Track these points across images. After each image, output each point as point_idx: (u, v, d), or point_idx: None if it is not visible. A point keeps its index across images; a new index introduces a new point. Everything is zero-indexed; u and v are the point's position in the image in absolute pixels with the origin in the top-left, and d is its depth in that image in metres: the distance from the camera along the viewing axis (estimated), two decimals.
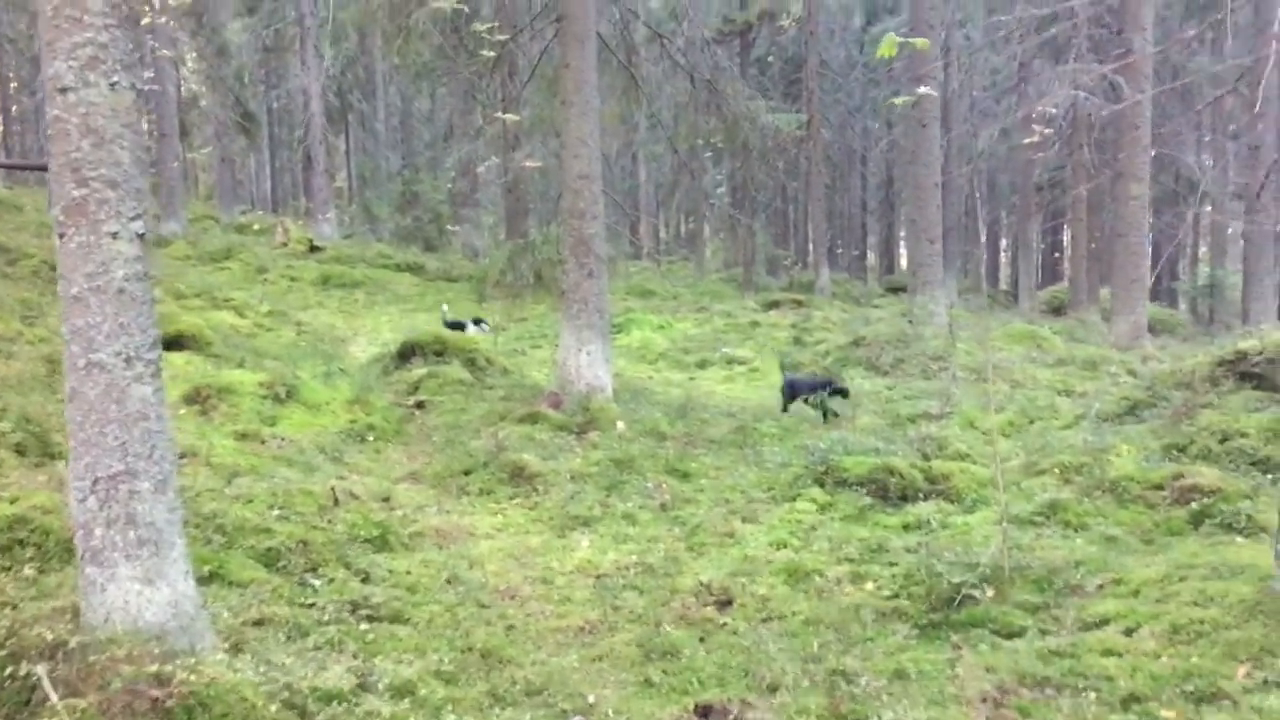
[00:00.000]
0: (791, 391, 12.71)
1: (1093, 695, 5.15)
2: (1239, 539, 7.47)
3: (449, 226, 28.98)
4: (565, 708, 5.09)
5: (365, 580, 6.55)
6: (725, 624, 6.41)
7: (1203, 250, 41.34)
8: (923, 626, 6.36)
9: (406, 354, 13.67)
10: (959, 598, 6.54)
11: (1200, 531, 7.72)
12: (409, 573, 6.83)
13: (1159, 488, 8.32)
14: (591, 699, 5.21)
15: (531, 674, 5.41)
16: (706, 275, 31.67)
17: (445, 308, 17.26)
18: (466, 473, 9.41)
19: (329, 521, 7.29)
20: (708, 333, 19.64)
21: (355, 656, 5.21)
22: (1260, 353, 10.26)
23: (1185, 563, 6.75)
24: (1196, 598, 6.02)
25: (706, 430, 11.18)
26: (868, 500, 8.65)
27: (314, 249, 24.99)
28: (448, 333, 14.78)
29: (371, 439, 10.37)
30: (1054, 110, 18.47)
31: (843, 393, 12.46)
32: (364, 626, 5.73)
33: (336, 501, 7.53)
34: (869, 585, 7.02)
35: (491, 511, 8.59)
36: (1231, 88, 19.37)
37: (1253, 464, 8.82)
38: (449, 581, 6.79)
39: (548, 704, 5.12)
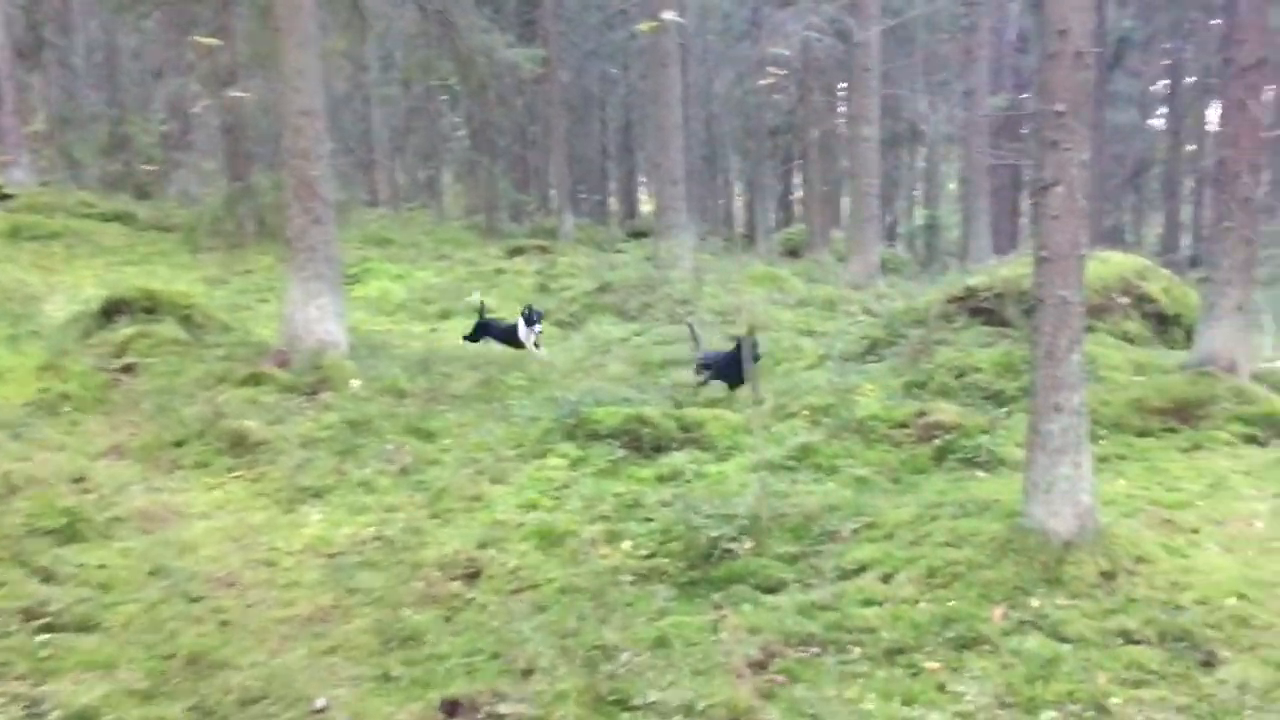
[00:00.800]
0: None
1: (857, 650, 4.98)
2: (979, 473, 7.60)
3: (163, 171, 26.57)
4: (289, 717, 4.43)
5: (47, 580, 5.59)
6: (473, 600, 5.88)
7: (916, 192, 43.75)
8: (682, 585, 6.07)
9: (111, 312, 12.17)
10: (718, 552, 6.29)
11: (944, 468, 7.82)
12: (103, 567, 5.90)
13: (903, 426, 8.39)
14: (320, 703, 4.58)
15: (249, 678, 4.69)
16: (447, 222, 30.60)
17: (477, 294, 14.78)
18: (179, 444, 8.40)
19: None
20: (449, 281, 18.83)
21: (24, 679, 4.36)
22: (989, 289, 10.60)
23: (934, 501, 6.75)
24: (949, 538, 5.98)
25: (450, 385, 10.50)
26: (621, 453, 8.28)
27: (3, 197, 22.30)
28: (162, 288, 13.22)
29: (67, 410, 9.12)
30: (786, 52, 18.63)
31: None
32: (40, 639, 4.84)
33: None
34: (625, 545, 6.66)
35: (208, 487, 7.68)
36: (948, 34, 20.13)
37: (987, 398, 9.06)
38: (153, 574, 5.92)
39: (267, 714, 4.45)
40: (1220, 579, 5.38)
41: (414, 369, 10.85)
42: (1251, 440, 8.23)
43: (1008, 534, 5.73)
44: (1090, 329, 9.52)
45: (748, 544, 6.42)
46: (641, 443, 8.42)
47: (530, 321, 12.00)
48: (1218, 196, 8.73)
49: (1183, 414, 8.48)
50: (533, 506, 7.35)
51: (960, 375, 9.36)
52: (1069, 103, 5.40)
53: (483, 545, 6.61)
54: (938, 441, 8.05)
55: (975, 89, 22.10)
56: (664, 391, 9.57)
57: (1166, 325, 10.60)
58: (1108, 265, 10.56)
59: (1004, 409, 8.82)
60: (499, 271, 19.83)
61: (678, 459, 8.11)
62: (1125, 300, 10.34)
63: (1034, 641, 4.86)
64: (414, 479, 7.96)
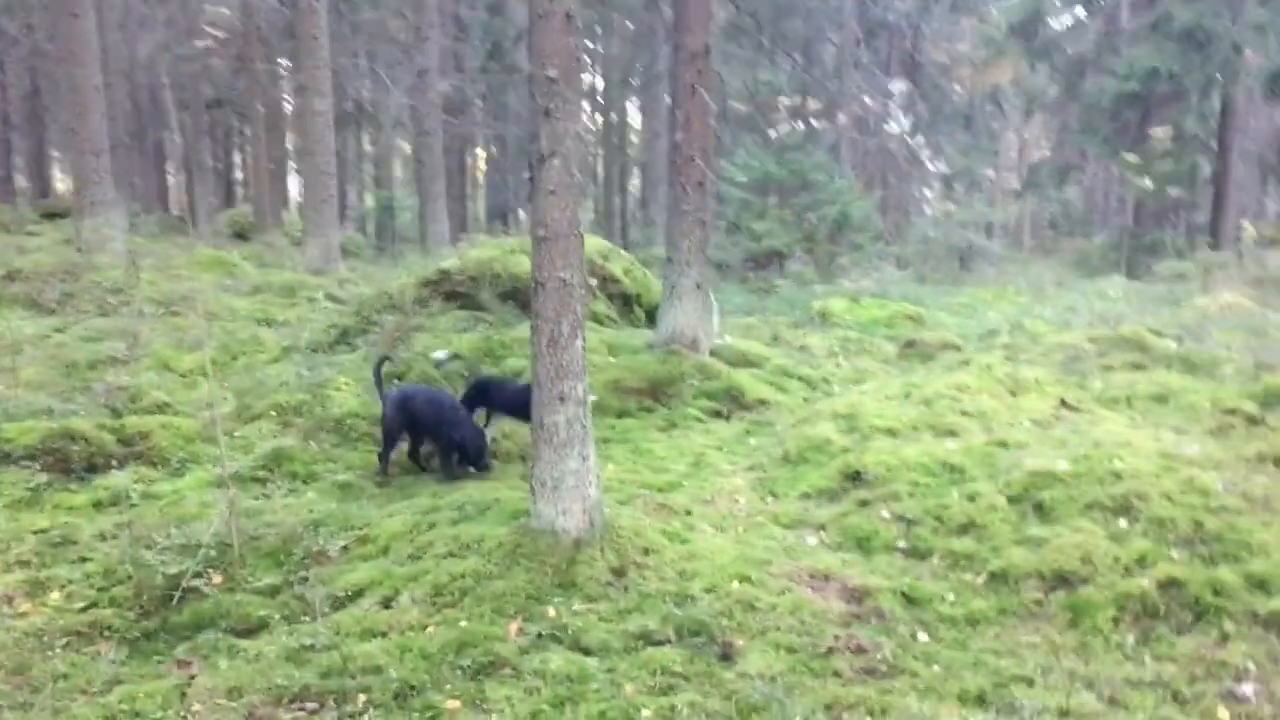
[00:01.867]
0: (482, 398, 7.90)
1: (362, 699, 4.22)
2: (472, 468, 7.14)
3: None
4: None
5: None
6: None
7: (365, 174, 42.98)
8: (135, 641, 4.94)
9: None
10: (179, 592, 5.21)
11: (432, 466, 7.26)
12: None
13: None
14: None
15: None
16: None
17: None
18: None
19: None
20: None
21: None
22: (462, 272, 10.21)
23: (429, 505, 6.18)
24: (452, 547, 5.42)
25: None
26: (43, 477, 6.73)
27: None
28: None
29: None
30: (227, 11, 16.97)
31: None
32: None
33: None
34: (54, 596, 5.31)
35: None
36: (397, 11, 19.60)
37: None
38: None
39: None
40: (722, 562, 5.33)
41: None
42: (717, 414, 8.59)
43: (515, 538, 5.28)
44: None
45: (216, 578, 5.39)
46: (71, 463, 6.91)
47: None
48: (673, 180, 9.02)
49: (656, 393, 8.66)
50: None
51: (441, 364, 8.86)
52: (560, 68, 5.02)
53: None
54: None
55: (428, 69, 21.78)
56: (97, 398, 8.01)
57: (630, 305, 10.92)
58: None
59: None
60: None
61: (119, 480, 6.73)
62: (594, 281, 10.46)
63: (557, 658, 4.42)
64: None
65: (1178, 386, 8.31)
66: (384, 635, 4.72)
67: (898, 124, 25.45)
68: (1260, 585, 4.66)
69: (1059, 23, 41.32)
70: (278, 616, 5.06)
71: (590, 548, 5.20)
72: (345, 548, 5.76)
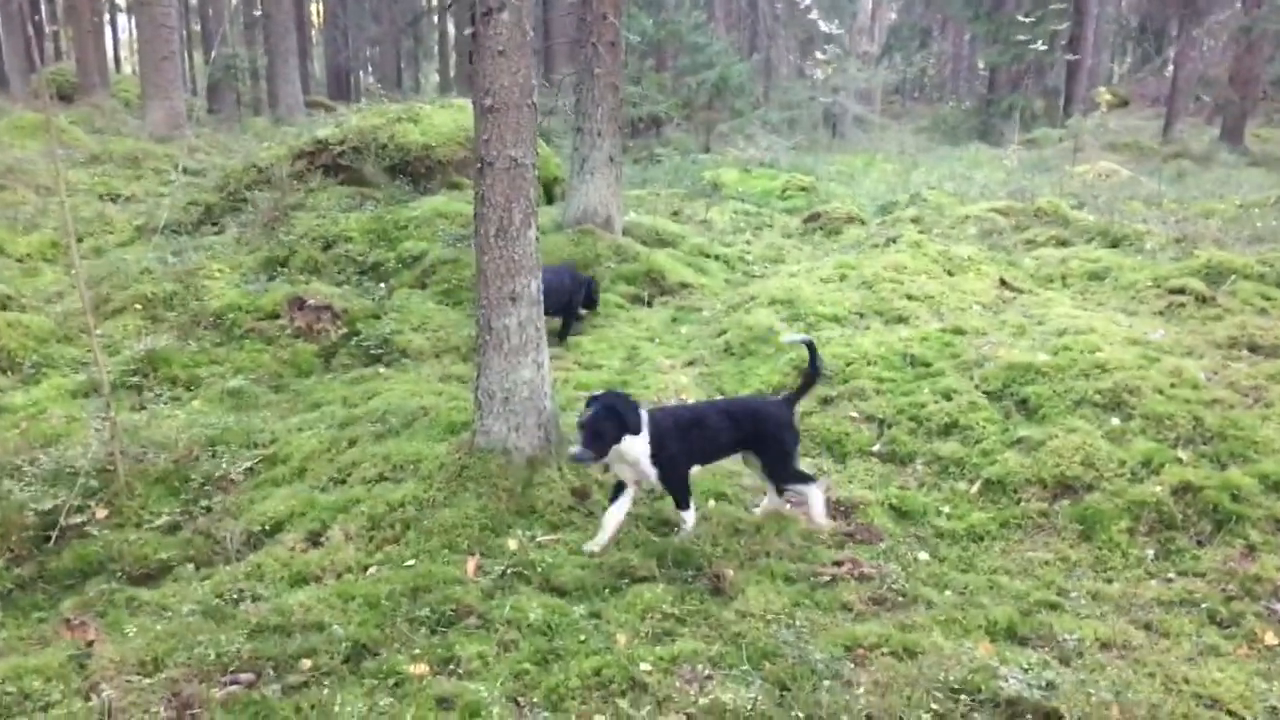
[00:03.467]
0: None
1: (306, 663, 3.53)
2: (383, 370, 6.37)
3: None
4: None
5: None
6: None
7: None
8: (7, 596, 4.13)
9: None
10: (57, 532, 4.40)
11: (337, 367, 6.47)
12: None
13: (274, 316, 6.82)
14: None
15: None
16: None
17: None
18: None
19: None
20: None
21: None
22: (343, 142, 9.15)
23: (344, 417, 5.43)
24: (383, 468, 4.71)
25: None
26: None
27: None
28: None
29: None
30: None
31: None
32: None
33: None
34: None
35: None
36: None
37: (362, 273, 7.78)
38: None
39: None
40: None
41: None
42: (638, 300, 7.97)
43: (460, 458, 4.59)
44: (456, 185, 8.61)
45: (100, 512, 4.59)
46: None
47: None
48: (583, 40, 8.14)
49: None
50: None
51: (328, 247, 7.93)
52: None
53: None
54: (324, 334, 6.63)
55: None
56: None
57: None
58: (465, 113, 9.63)
59: (383, 285, 7.62)
60: None
61: None
62: None
63: (531, 604, 3.80)
64: None
65: (1112, 263, 8.05)
66: (318, 580, 4.03)
67: None
68: (1276, 488, 4.36)
69: None
70: (182, 559, 4.30)
71: (547, 467, 4.57)
72: (251, 469, 4.99)
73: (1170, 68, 36.34)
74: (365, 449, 4.90)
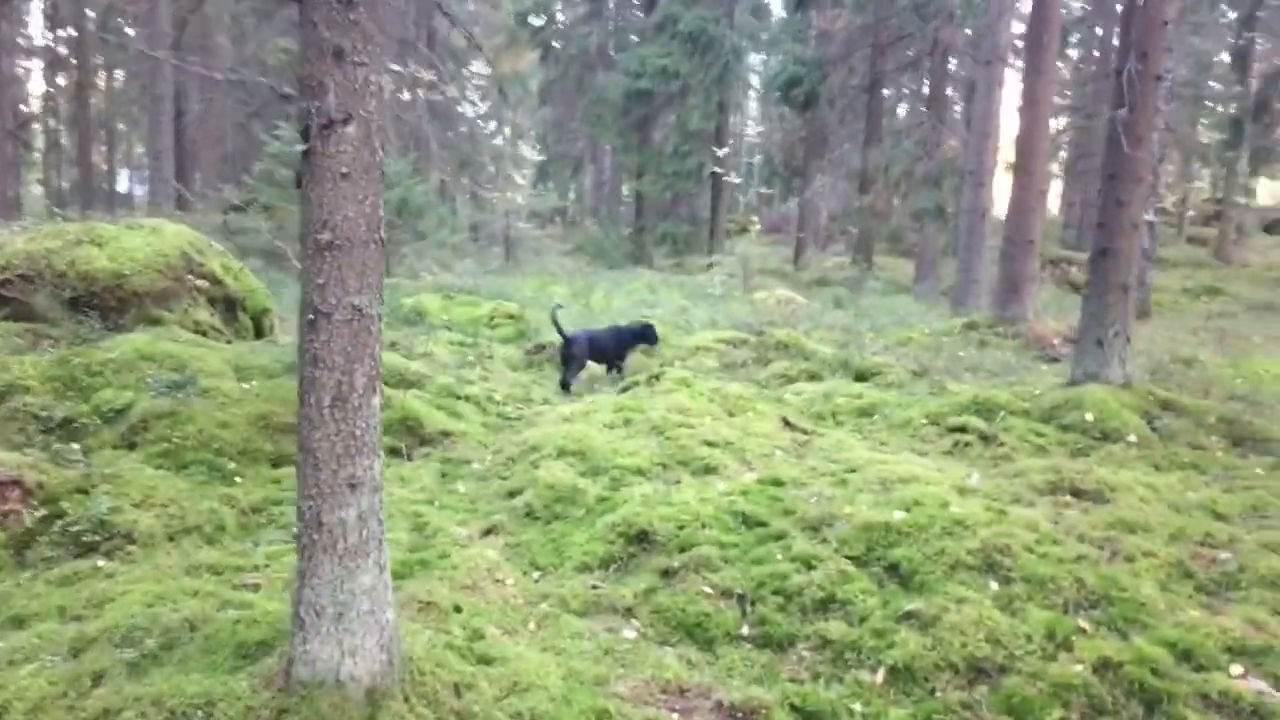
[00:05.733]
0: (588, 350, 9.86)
1: None
2: (103, 563, 4.98)
3: None
4: None
5: None
6: None
7: None
8: None
9: None
10: None
11: (37, 562, 5.00)
12: None
13: None
14: None
15: None
16: None
17: None
18: None
19: None
20: None
21: None
22: (5, 269, 7.50)
23: (75, 639, 4.08)
24: (161, 714, 3.48)
25: None
26: None
27: None
28: None
29: None
30: None
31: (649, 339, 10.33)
32: None
33: None
34: None
35: None
36: None
37: (47, 431, 6.26)
38: None
39: None
40: (554, 691, 3.90)
41: None
42: (395, 453, 6.98)
43: (274, 697, 3.46)
44: (157, 320, 7.31)
45: None
46: None
47: None
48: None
49: None
50: None
51: (2, 399, 6.33)
52: None
53: None
54: (13, 518, 5.13)
55: None
56: None
57: (234, 312, 8.72)
58: (162, 236, 8.23)
59: (76, 447, 6.15)
60: None
61: None
62: (204, 283, 8.18)
63: None
64: None
65: (875, 399, 8.00)
66: None
67: (473, 106, 24.11)
68: (1186, 657, 4.13)
69: (567, 15, 42.33)
70: None
71: (392, 700, 3.54)
72: None
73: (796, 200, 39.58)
74: (121, 689, 3.63)
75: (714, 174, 34.91)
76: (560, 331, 9.46)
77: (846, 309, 18.74)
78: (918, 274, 28.36)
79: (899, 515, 5.08)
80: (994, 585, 4.60)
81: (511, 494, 6.02)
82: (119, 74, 42.94)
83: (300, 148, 3.30)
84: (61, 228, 7.91)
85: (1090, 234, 8.77)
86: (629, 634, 4.58)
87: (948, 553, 4.78)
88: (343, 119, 3.26)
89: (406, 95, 23.54)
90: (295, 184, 3.37)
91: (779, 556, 4.96)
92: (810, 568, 4.83)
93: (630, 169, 40.05)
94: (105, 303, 7.51)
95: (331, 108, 3.25)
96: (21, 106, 40.86)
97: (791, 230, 41.85)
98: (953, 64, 31.03)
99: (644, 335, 10.14)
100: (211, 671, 3.70)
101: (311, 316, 3.35)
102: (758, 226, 37.70)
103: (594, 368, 9.95)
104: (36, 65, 43.22)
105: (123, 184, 44.82)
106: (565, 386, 9.45)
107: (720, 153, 31.25)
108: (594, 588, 4.97)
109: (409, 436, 7.06)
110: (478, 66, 32.66)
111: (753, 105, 55.87)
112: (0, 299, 7.32)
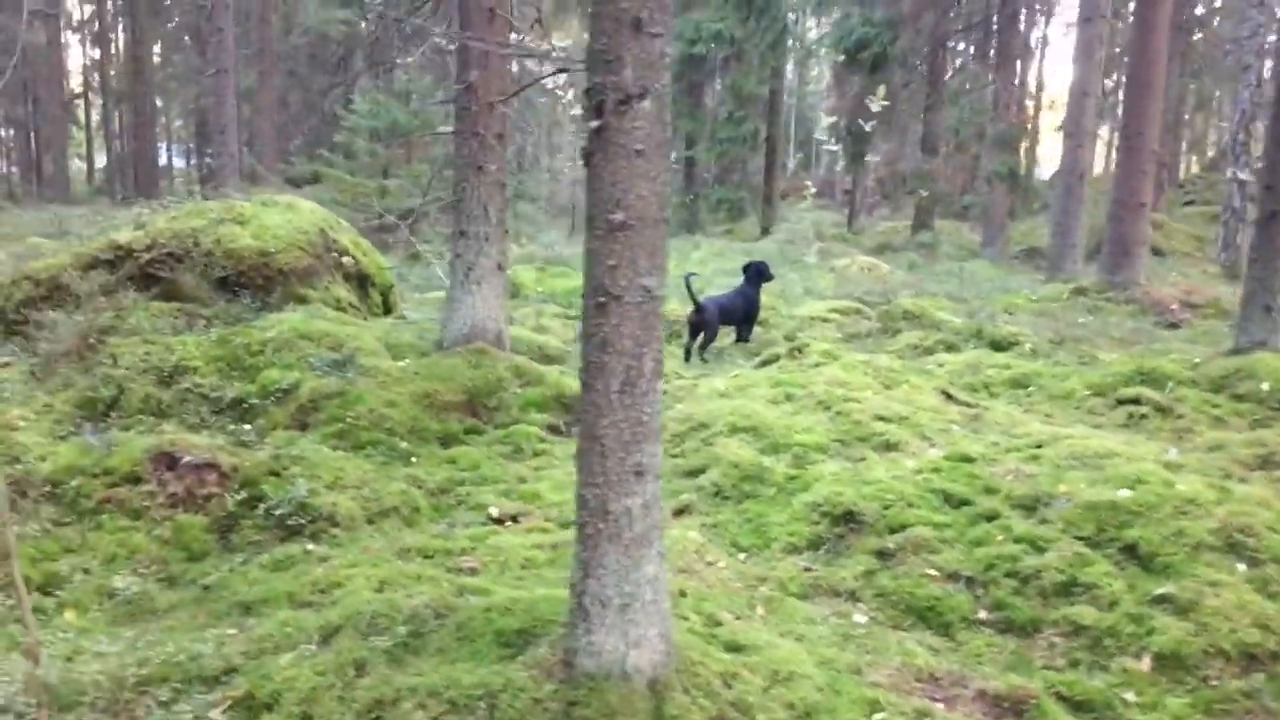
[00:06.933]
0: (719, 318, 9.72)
1: None
2: (310, 545, 4.92)
3: None
4: None
5: None
6: None
7: None
8: None
9: None
10: None
11: (239, 544, 4.94)
12: None
13: (134, 480, 5.16)
14: None
15: None
16: None
17: None
18: None
19: None
20: None
21: None
22: (150, 247, 7.45)
23: (319, 626, 4.01)
24: (439, 710, 3.38)
25: None
26: None
27: None
28: None
29: None
30: None
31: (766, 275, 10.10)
32: None
33: None
34: None
35: None
36: None
37: (219, 413, 6.22)
38: None
39: None
40: (818, 681, 3.79)
41: None
42: (554, 430, 6.87)
43: (557, 689, 3.38)
44: (302, 299, 7.25)
45: None
46: None
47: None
48: (465, 132, 7.05)
49: (474, 406, 6.78)
50: None
51: (167, 381, 6.29)
52: None
53: None
54: (214, 501, 5.08)
55: None
56: None
57: (365, 288, 8.66)
58: (299, 213, 8.16)
59: (249, 426, 6.11)
60: None
61: None
62: (349, 260, 8.11)
63: None
64: None
65: (1026, 370, 7.80)
66: None
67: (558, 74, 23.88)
68: None
69: None
70: None
71: (673, 691, 3.44)
72: (225, 713, 3.51)
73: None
74: (390, 679, 3.56)
75: (768, 139, 34.53)
76: (694, 299, 9.28)
77: (921, 273, 18.44)
78: (985, 238, 27.91)
79: (1124, 494, 4.91)
80: (1241, 567, 4.43)
81: (692, 473, 5.91)
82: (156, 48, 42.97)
83: (594, 124, 3.16)
84: (202, 206, 7.86)
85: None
86: (860, 619, 4.47)
87: (1186, 533, 4.60)
88: (639, 94, 3.12)
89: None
90: (583, 162, 3.23)
91: (999, 537, 4.82)
92: (1040, 549, 4.68)
93: (681, 135, 39.73)
94: (253, 281, 7.45)
95: (629, 82, 3.11)
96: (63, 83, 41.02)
97: (835, 196, 41.41)
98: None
99: (762, 274, 9.88)
100: (478, 661, 3.62)
101: (602, 299, 3.22)
102: (813, 191, 37.34)
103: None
104: (73, 39, 43.39)
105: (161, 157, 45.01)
106: (688, 355, 9.34)
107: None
108: (807, 569, 4.86)
109: (565, 413, 6.97)
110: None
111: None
112: (150, 278, 7.28)
